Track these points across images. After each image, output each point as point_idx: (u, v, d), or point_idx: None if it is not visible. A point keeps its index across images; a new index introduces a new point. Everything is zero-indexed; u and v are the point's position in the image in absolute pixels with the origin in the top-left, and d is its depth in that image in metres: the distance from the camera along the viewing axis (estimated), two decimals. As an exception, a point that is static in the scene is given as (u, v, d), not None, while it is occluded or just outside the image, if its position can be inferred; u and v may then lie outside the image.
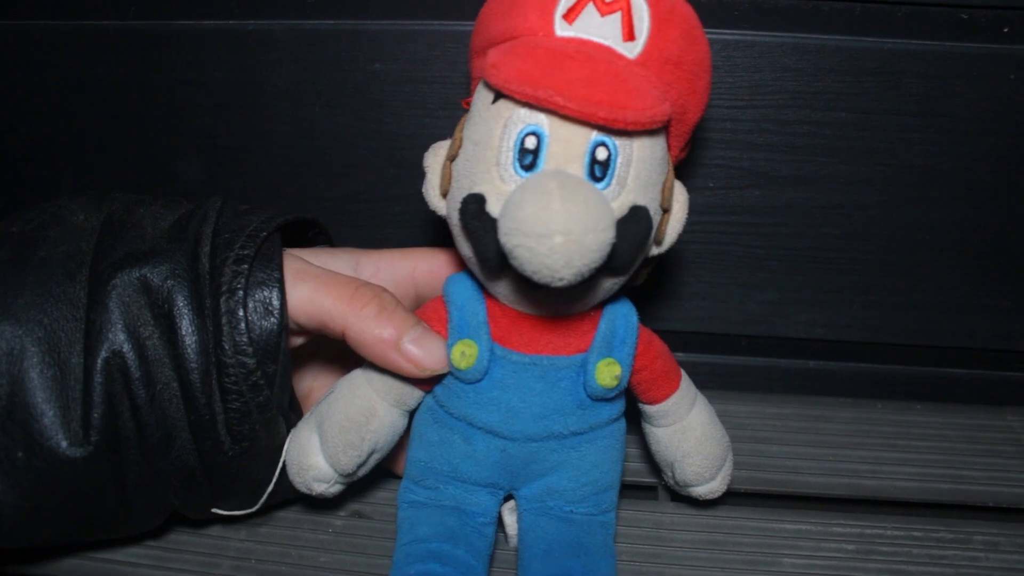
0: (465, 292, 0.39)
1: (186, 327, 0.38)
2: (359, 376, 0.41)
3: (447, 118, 0.52)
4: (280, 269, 0.39)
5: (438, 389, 0.40)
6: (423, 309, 0.41)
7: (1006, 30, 0.47)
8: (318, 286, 0.39)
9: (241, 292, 0.38)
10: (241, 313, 0.38)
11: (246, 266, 0.39)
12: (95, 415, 0.37)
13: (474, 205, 0.35)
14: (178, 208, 0.42)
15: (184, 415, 0.38)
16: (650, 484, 0.49)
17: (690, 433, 0.43)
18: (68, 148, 0.57)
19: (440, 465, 0.41)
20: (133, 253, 0.39)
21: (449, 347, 0.39)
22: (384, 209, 0.55)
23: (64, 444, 0.36)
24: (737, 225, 0.53)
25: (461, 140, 0.37)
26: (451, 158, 0.37)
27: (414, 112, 0.52)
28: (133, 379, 0.37)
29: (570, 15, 0.35)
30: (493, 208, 0.35)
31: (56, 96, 0.55)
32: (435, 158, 0.39)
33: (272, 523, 0.46)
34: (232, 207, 0.42)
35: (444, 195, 0.38)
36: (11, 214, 0.42)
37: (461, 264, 0.40)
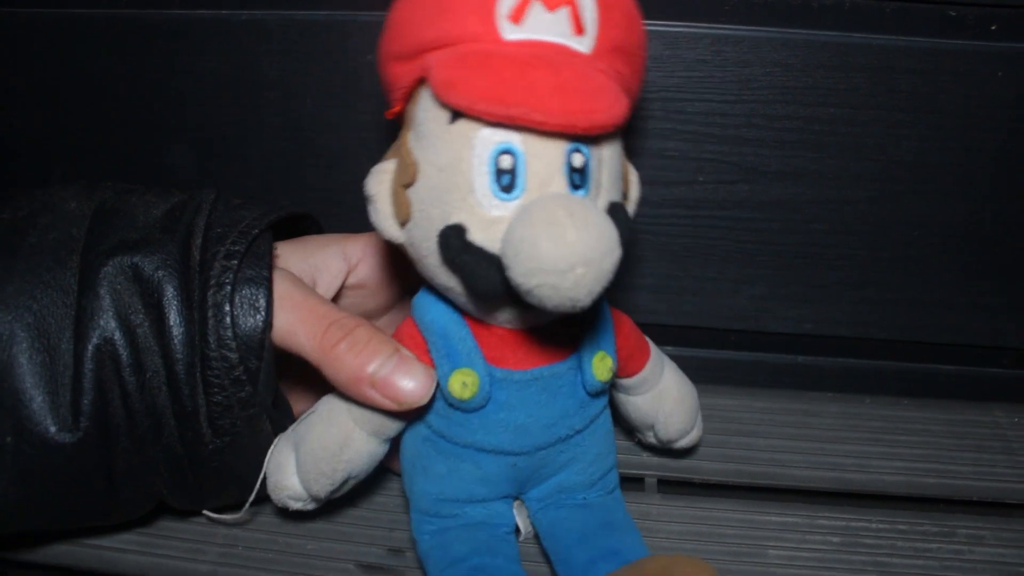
0: (444, 317, 0.38)
1: (174, 317, 0.38)
2: (338, 401, 0.39)
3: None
4: (269, 268, 0.39)
5: (435, 421, 0.39)
6: (398, 334, 0.39)
7: (994, 27, 0.47)
8: (295, 319, 0.39)
9: (229, 287, 0.38)
10: (227, 308, 0.38)
11: (236, 262, 0.39)
12: (85, 401, 0.37)
13: (456, 239, 0.33)
14: (170, 198, 0.42)
15: (170, 404, 0.38)
16: (637, 476, 0.49)
17: (667, 394, 0.44)
18: (59, 137, 0.57)
19: (454, 494, 0.40)
20: (125, 241, 0.39)
21: (443, 378, 0.37)
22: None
23: (53, 429, 0.37)
24: (726, 220, 0.53)
25: (415, 164, 0.34)
26: (406, 184, 0.35)
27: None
28: (123, 366, 0.38)
29: (516, 15, 0.32)
30: (476, 237, 0.33)
31: (47, 85, 0.55)
32: (380, 184, 0.36)
33: (259, 511, 0.46)
34: (226, 200, 0.42)
35: (402, 224, 0.36)
36: (1, 202, 0.42)
37: None
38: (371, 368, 0.37)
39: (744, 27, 0.48)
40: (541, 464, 0.40)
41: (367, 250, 0.44)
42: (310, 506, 0.41)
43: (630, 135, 0.40)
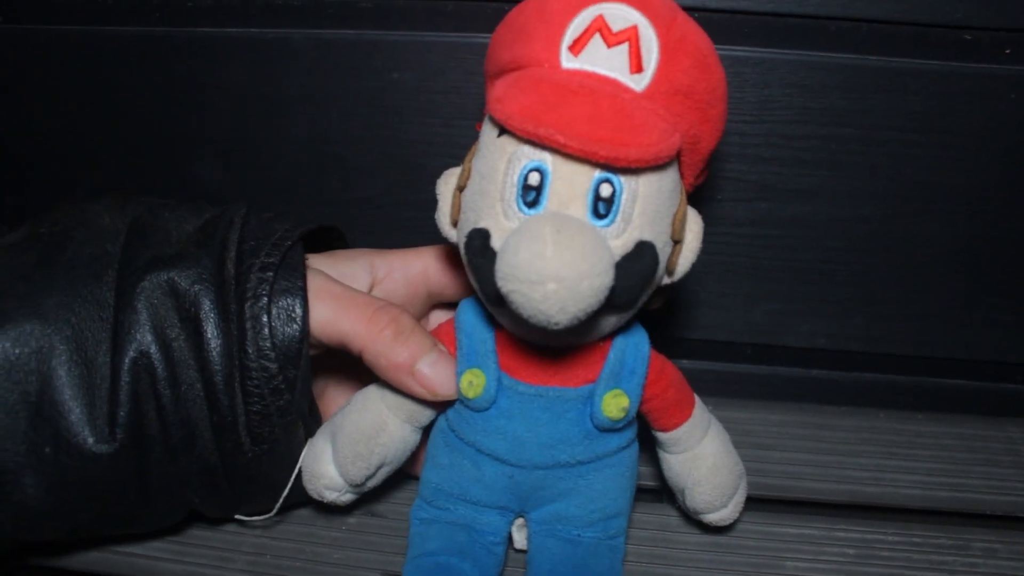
0: (474, 320, 0.40)
1: (211, 330, 0.39)
2: (374, 390, 0.42)
3: (461, 127, 0.53)
4: (303, 278, 0.40)
5: (451, 413, 0.41)
6: (437, 331, 0.42)
7: (1007, 51, 0.48)
8: (338, 307, 0.40)
9: (266, 299, 0.39)
10: (265, 319, 0.39)
11: (271, 274, 0.40)
12: (121, 413, 0.38)
13: (478, 241, 0.35)
14: (202, 213, 0.44)
15: (207, 416, 0.39)
16: (656, 487, 0.50)
17: (701, 462, 0.43)
18: (88, 151, 0.58)
19: (450, 488, 0.41)
20: (160, 257, 0.40)
21: (458, 375, 0.39)
22: (398, 214, 0.56)
23: (90, 440, 0.38)
24: (744, 236, 0.54)
25: (470, 171, 0.37)
26: (460, 188, 0.37)
27: (429, 121, 0.53)
28: (159, 379, 0.39)
29: (576, 46, 0.35)
30: (496, 244, 0.34)
31: (77, 99, 0.56)
32: (446, 186, 0.39)
33: (287, 520, 0.47)
34: (257, 214, 0.43)
35: (454, 224, 0.38)
36: (36, 216, 0.43)
37: None
38: (413, 357, 0.39)
39: (763, 49, 0.49)
40: (540, 485, 0.40)
41: (394, 265, 0.45)
42: (345, 497, 0.43)
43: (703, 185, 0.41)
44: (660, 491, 0.50)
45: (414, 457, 0.46)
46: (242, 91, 0.54)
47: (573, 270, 0.31)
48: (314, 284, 0.41)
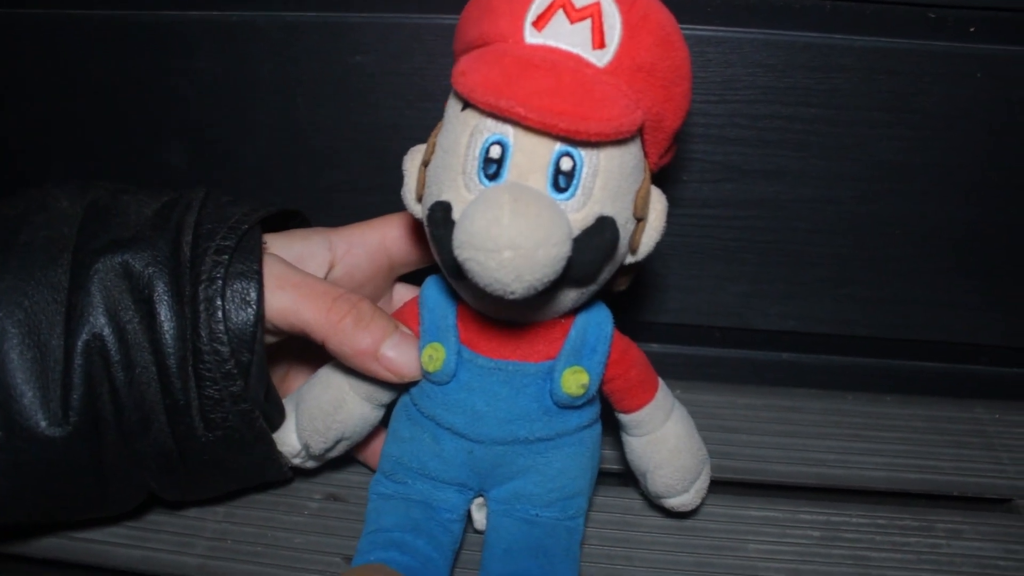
0: (437, 295, 0.40)
1: (165, 313, 0.39)
2: (337, 367, 0.43)
3: (426, 110, 0.52)
4: (259, 262, 0.40)
5: (413, 388, 0.41)
6: (401, 311, 0.42)
7: (972, 30, 0.48)
8: (298, 297, 0.40)
9: (220, 282, 0.39)
10: (219, 302, 0.39)
11: (226, 256, 0.39)
12: (74, 396, 0.38)
13: (440, 213, 0.35)
14: (162, 196, 0.43)
15: (160, 399, 0.39)
16: (619, 471, 0.50)
17: (662, 445, 0.43)
18: (54, 137, 0.58)
19: (409, 461, 0.41)
20: (116, 239, 0.40)
21: (420, 349, 0.40)
22: (365, 199, 0.56)
23: (43, 424, 0.37)
24: (710, 218, 0.54)
25: (434, 146, 0.37)
26: (425, 163, 0.38)
27: (394, 104, 0.53)
28: (112, 362, 0.38)
29: (539, 22, 0.35)
30: (457, 215, 0.35)
31: (42, 85, 0.56)
32: (412, 162, 0.39)
33: (248, 505, 0.46)
34: (215, 198, 0.43)
35: (420, 199, 0.38)
36: (-4, 200, 0.42)
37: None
38: (375, 342, 0.39)
39: (726, 28, 0.49)
40: (499, 461, 0.40)
41: (353, 240, 0.45)
42: (309, 463, 0.45)
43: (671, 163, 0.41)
44: (625, 475, 0.50)
45: (372, 451, 0.47)
46: (208, 75, 0.54)
47: (529, 238, 0.31)
48: (273, 271, 0.41)
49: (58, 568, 0.44)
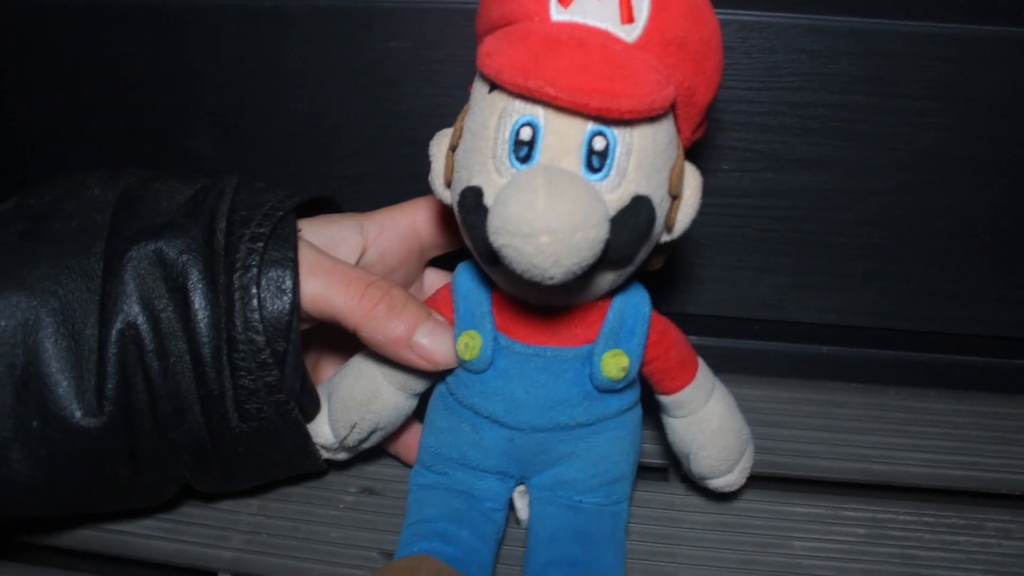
0: (470, 282, 0.39)
1: (199, 301, 0.38)
2: (370, 356, 0.42)
3: (460, 97, 0.50)
4: (294, 250, 0.39)
5: (449, 377, 0.41)
6: (434, 299, 0.41)
7: (1026, 13, 0.47)
8: (330, 283, 0.39)
9: (255, 269, 0.38)
10: (254, 290, 0.38)
11: (261, 244, 0.39)
12: (109, 386, 0.37)
13: (471, 198, 0.34)
14: (193, 183, 0.43)
15: (195, 389, 0.38)
16: (661, 465, 0.49)
17: (705, 425, 0.42)
18: (82, 124, 0.57)
19: (449, 452, 0.41)
20: (149, 227, 0.39)
21: (455, 337, 0.39)
22: (395, 188, 0.55)
23: (78, 414, 0.37)
24: (750, 208, 0.53)
25: (462, 129, 0.36)
26: (453, 147, 0.37)
27: (427, 91, 0.52)
28: (147, 351, 0.38)
29: None
30: (489, 200, 0.34)
31: (70, 72, 0.55)
32: (439, 147, 0.38)
33: (283, 498, 0.46)
34: (248, 185, 0.42)
35: (448, 185, 0.38)
36: (26, 188, 0.42)
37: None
38: (408, 330, 0.39)
39: (770, 13, 0.48)
40: (540, 448, 0.40)
41: (384, 224, 0.45)
42: (340, 455, 0.44)
43: (705, 133, 0.40)
44: (666, 469, 0.49)
45: (405, 444, 0.46)
46: (237, 62, 0.53)
47: (566, 221, 0.30)
48: (305, 258, 0.40)
49: (91, 560, 0.43)
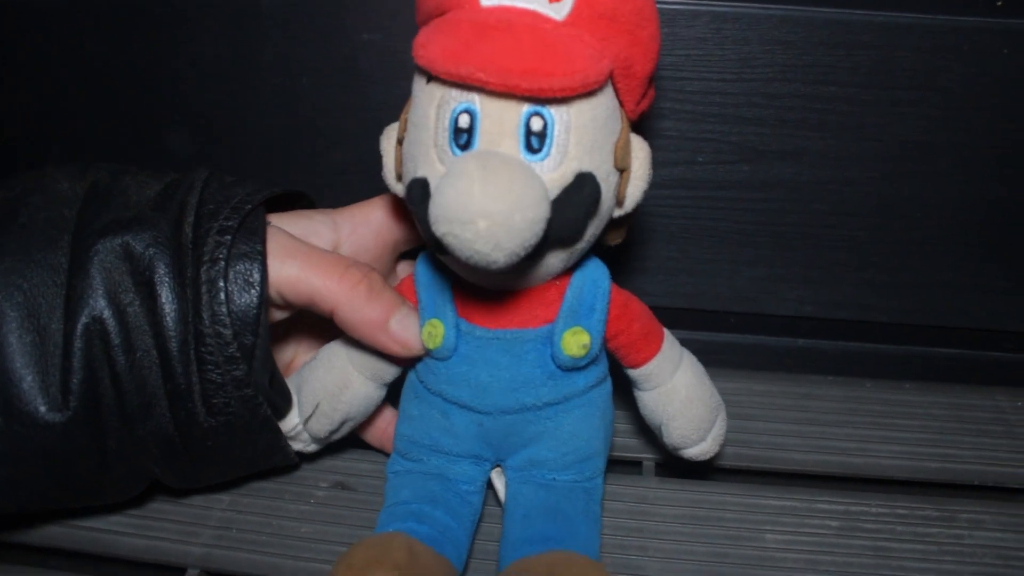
0: (431, 271, 0.40)
1: (166, 295, 0.38)
2: (339, 347, 0.42)
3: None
4: (263, 243, 0.39)
5: (418, 365, 0.41)
6: (399, 287, 0.42)
7: (999, 3, 0.47)
8: (306, 264, 0.39)
9: (223, 263, 0.38)
10: (221, 284, 0.38)
11: (229, 237, 0.39)
12: (74, 380, 0.37)
13: (417, 189, 0.35)
14: (163, 177, 0.42)
15: (162, 383, 0.38)
16: (635, 459, 0.49)
17: (674, 395, 0.42)
18: (56, 120, 0.57)
19: (421, 439, 0.41)
20: (117, 220, 0.39)
21: (420, 326, 0.39)
22: (372, 180, 0.54)
23: (43, 409, 0.36)
24: (726, 200, 0.53)
25: (406, 122, 0.37)
26: (400, 141, 0.37)
27: (400, 83, 0.51)
28: (113, 345, 0.37)
29: None
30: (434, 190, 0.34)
31: (44, 68, 0.55)
32: (388, 141, 0.38)
33: (254, 493, 0.46)
34: (218, 178, 0.42)
35: (399, 178, 0.38)
36: (-8, 181, 0.42)
37: None
38: (386, 313, 0.39)
39: (744, 4, 0.47)
40: (509, 430, 0.40)
41: (357, 220, 0.44)
42: (311, 447, 0.44)
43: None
44: (639, 463, 0.49)
45: (378, 430, 0.46)
46: (211, 57, 0.53)
47: (502, 204, 0.30)
48: (279, 243, 0.40)
49: (61, 557, 0.43)
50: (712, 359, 0.58)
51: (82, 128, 0.57)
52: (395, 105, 0.52)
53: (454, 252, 0.32)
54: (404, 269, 0.48)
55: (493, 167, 0.31)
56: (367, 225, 0.44)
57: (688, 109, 0.50)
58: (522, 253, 0.32)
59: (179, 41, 0.53)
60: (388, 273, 0.47)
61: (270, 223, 0.41)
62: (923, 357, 0.58)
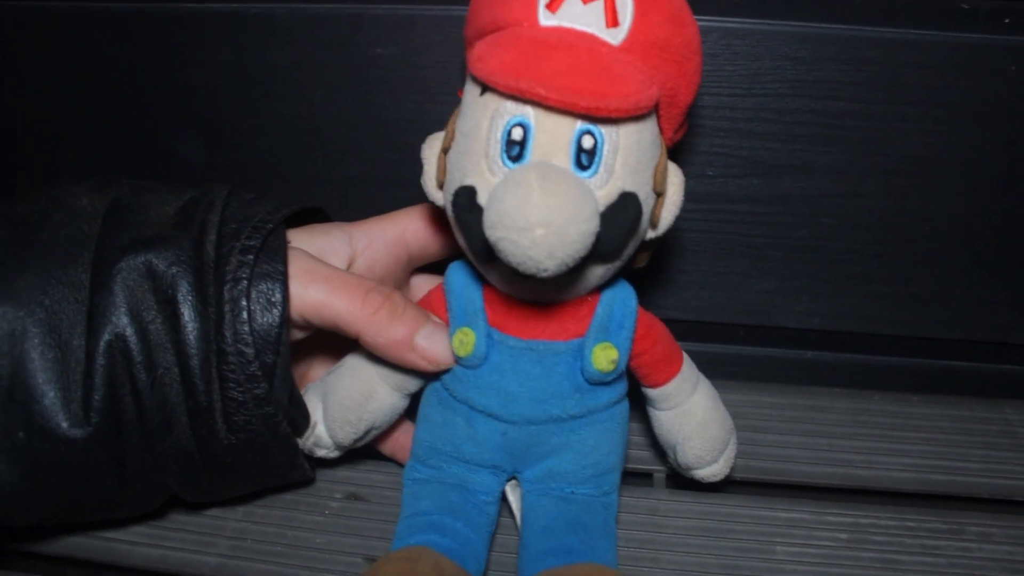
0: (463, 280, 0.40)
1: (188, 313, 0.38)
2: (365, 358, 0.43)
3: (447, 103, 0.52)
4: (284, 263, 0.40)
5: (444, 374, 0.41)
6: (427, 299, 0.42)
7: (1007, 21, 0.47)
8: (330, 289, 0.40)
9: (245, 282, 0.39)
10: (244, 303, 0.38)
11: (251, 257, 0.39)
12: (96, 397, 0.37)
13: (464, 197, 0.35)
14: (183, 194, 0.43)
15: (183, 401, 0.39)
16: (646, 471, 0.49)
17: (691, 417, 0.43)
18: (70, 129, 0.57)
19: (443, 446, 0.42)
20: (139, 238, 0.39)
21: (450, 335, 0.40)
22: (382, 193, 0.55)
23: (64, 425, 0.37)
24: (735, 214, 0.53)
25: (453, 132, 0.37)
26: (445, 150, 0.38)
27: (414, 97, 0.52)
28: (135, 362, 0.38)
29: (553, 4, 0.35)
30: (483, 199, 0.35)
31: (58, 77, 0.55)
32: (431, 150, 0.39)
33: (268, 504, 0.46)
34: (238, 196, 0.42)
35: (440, 187, 0.39)
36: (13, 196, 0.42)
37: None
38: (411, 332, 0.39)
39: (754, 20, 0.48)
40: (532, 441, 0.41)
41: (373, 235, 0.45)
42: (334, 454, 0.45)
43: (690, 139, 0.40)
44: (650, 474, 0.49)
45: (394, 442, 0.46)
46: (225, 68, 0.53)
47: (560, 215, 0.31)
48: (302, 266, 0.40)
49: (78, 566, 0.44)
50: (721, 371, 0.58)
51: (95, 136, 0.57)
52: (407, 118, 0.53)
53: (507, 257, 0.33)
54: (418, 284, 0.49)
55: (553, 179, 0.32)
56: (382, 240, 0.45)
57: (698, 123, 0.50)
58: (571, 263, 0.33)
59: (193, 51, 0.53)
60: (401, 288, 0.48)
61: (290, 242, 0.41)
62: (931, 370, 0.58)
